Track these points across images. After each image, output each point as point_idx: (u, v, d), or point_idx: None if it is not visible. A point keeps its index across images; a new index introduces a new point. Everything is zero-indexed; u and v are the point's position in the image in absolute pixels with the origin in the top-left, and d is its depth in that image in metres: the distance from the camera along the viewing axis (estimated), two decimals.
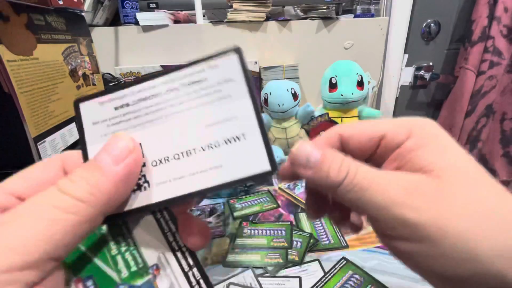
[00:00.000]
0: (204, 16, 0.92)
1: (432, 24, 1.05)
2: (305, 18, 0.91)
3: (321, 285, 0.42)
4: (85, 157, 0.15)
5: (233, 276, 0.45)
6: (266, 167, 0.14)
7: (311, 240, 0.49)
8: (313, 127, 0.77)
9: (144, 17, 0.84)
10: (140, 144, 0.15)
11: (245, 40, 0.90)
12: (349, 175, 0.14)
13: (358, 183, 0.14)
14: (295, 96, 0.79)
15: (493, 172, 1.10)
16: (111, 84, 0.70)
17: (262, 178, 0.14)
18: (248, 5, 0.85)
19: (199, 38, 0.88)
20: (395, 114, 1.16)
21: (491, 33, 0.94)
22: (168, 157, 0.14)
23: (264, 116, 0.85)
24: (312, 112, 0.77)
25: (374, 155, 0.17)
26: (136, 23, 0.85)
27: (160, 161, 0.15)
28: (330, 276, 0.43)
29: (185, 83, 0.14)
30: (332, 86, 0.76)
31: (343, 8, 0.99)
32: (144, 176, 0.15)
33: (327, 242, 0.49)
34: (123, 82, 0.84)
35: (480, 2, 0.94)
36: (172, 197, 0.14)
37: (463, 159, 0.15)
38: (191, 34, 0.88)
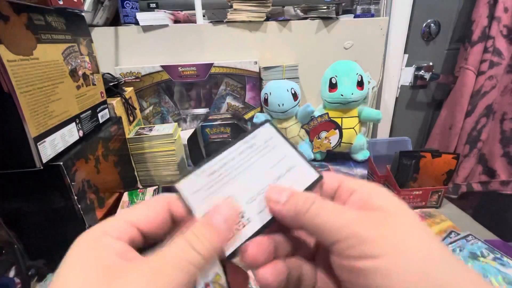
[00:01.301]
0: (204, 16, 0.92)
1: (432, 24, 1.05)
2: (305, 18, 0.91)
3: None
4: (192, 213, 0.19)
5: None
6: (316, 175, 0.21)
7: None
8: (313, 127, 0.77)
9: (144, 17, 0.84)
10: (233, 196, 0.20)
11: (245, 40, 0.90)
12: (315, 203, 0.18)
13: (323, 209, 0.17)
14: (295, 96, 0.79)
15: (493, 172, 1.10)
16: (112, 84, 0.70)
17: (316, 184, 0.21)
18: (248, 5, 0.85)
19: (199, 38, 0.88)
20: (395, 114, 1.16)
21: (491, 33, 0.94)
22: (255, 196, 0.20)
23: (264, 116, 0.85)
24: (312, 112, 0.77)
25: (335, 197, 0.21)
26: (136, 23, 0.85)
27: (252, 200, 0.20)
28: None
29: (247, 148, 0.21)
30: (332, 86, 0.76)
31: (343, 8, 0.99)
32: (243, 217, 0.19)
33: None
34: (123, 81, 0.83)
35: (480, 2, 0.94)
36: (268, 220, 0.19)
37: (396, 202, 0.18)
38: (191, 34, 0.88)
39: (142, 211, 0.18)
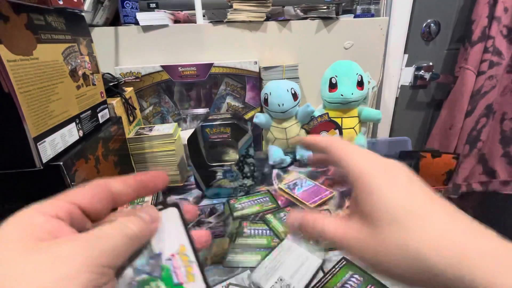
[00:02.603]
0: (204, 16, 0.92)
1: (432, 24, 1.05)
2: (305, 18, 0.91)
3: (321, 285, 0.42)
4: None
5: (233, 276, 0.45)
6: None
7: (311, 241, 0.49)
8: (313, 127, 0.77)
9: (144, 17, 0.84)
10: None
11: (245, 40, 0.90)
12: (320, 230, 0.23)
13: (328, 231, 0.23)
14: (295, 96, 0.79)
15: (493, 172, 1.10)
16: (112, 84, 0.70)
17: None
18: (248, 5, 0.85)
19: (199, 38, 0.88)
20: (395, 114, 1.16)
21: (491, 33, 0.94)
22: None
23: (264, 116, 0.85)
24: (312, 112, 0.77)
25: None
26: (136, 23, 0.85)
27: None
28: (330, 277, 0.43)
29: None
30: (332, 86, 0.76)
31: (343, 8, 0.99)
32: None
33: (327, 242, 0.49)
34: (123, 81, 0.84)
35: (480, 2, 0.94)
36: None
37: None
38: (191, 34, 0.88)
39: (81, 188, 0.19)
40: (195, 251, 0.20)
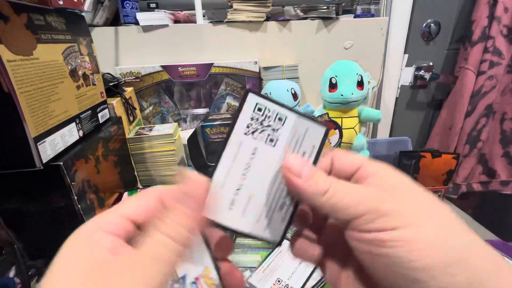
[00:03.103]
0: (204, 16, 0.92)
1: (432, 24, 1.05)
2: (305, 18, 0.91)
3: (321, 285, 0.42)
4: (216, 164, 0.19)
5: None
6: (323, 130, 0.20)
7: None
8: None
9: (144, 17, 0.84)
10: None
11: (245, 40, 0.90)
12: (333, 185, 0.18)
13: (340, 189, 0.18)
14: (295, 96, 0.79)
15: (493, 172, 1.10)
16: (112, 84, 0.70)
17: (326, 139, 0.20)
18: (248, 5, 0.85)
19: (199, 38, 0.88)
20: (395, 114, 1.16)
21: (491, 33, 0.94)
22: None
23: None
24: (312, 112, 0.77)
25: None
26: (136, 23, 0.85)
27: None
28: None
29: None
30: (332, 86, 0.76)
31: (343, 8, 0.99)
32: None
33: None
34: (123, 81, 0.83)
35: (480, 2, 0.94)
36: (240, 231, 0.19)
37: (407, 182, 0.19)
38: (191, 34, 0.88)
39: (135, 202, 0.18)
40: (220, 274, 0.19)
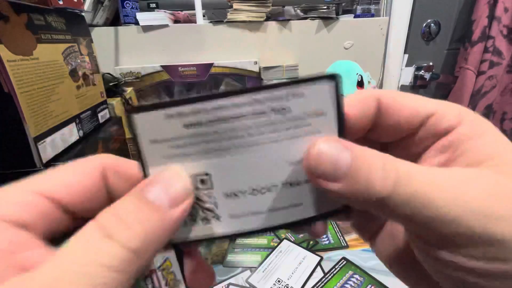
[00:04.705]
0: (204, 16, 0.92)
1: (432, 24, 1.05)
2: (305, 18, 0.91)
3: (321, 285, 0.42)
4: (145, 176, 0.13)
5: (233, 276, 0.45)
6: (340, 205, 0.13)
7: (311, 241, 0.49)
8: None
9: (144, 17, 0.84)
10: (209, 174, 0.13)
11: (245, 40, 0.90)
12: (399, 181, 0.10)
13: (416, 192, 0.10)
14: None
15: None
16: (112, 84, 0.70)
17: (337, 216, 0.14)
18: (248, 5, 0.85)
19: (199, 38, 0.88)
20: None
21: (491, 33, 0.94)
22: (244, 191, 0.13)
23: None
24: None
25: (411, 138, 0.13)
26: (136, 23, 0.85)
27: (235, 195, 0.13)
28: (330, 276, 0.43)
29: (273, 109, 0.12)
30: None
31: (343, 8, 0.99)
32: (211, 209, 0.13)
33: (327, 242, 0.49)
34: (123, 81, 0.84)
35: (480, 2, 0.94)
36: (246, 230, 0.14)
37: None
38: (191, 34, 0.88)
39: (61, 175, 0.12)
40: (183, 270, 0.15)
